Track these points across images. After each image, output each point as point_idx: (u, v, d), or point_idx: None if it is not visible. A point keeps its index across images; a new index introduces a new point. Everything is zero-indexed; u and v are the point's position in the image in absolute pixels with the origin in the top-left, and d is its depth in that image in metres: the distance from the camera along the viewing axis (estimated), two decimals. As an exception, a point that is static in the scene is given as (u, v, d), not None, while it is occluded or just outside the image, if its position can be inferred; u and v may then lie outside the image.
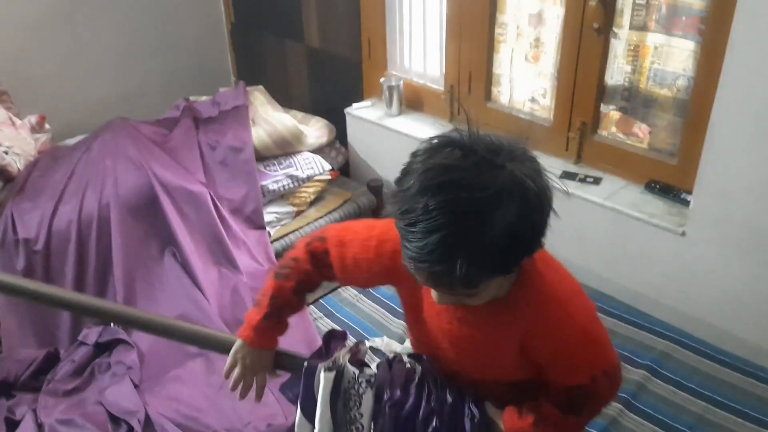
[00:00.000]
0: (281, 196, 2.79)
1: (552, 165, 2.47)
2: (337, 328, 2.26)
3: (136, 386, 1.95)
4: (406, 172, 0.90)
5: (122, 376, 1.98)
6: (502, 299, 1.00)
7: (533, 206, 0.87)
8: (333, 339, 1.27)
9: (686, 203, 2.15)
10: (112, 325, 2.20)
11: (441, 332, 1.08)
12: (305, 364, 1.18)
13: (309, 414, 1.17)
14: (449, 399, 1.10)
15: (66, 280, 2.27)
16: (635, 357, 2.04)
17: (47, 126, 2.87)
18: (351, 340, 1.30)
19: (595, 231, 2.33)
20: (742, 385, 1.92)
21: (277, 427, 1.85)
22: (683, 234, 2.10)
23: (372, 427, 1.14)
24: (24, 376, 2.04)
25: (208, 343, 1.34)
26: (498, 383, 1.13)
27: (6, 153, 2.47)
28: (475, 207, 0.84)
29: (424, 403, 1.09)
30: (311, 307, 2.36)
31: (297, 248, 1.22)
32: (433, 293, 0.97)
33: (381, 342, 2.12)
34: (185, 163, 2.61)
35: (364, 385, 1.14)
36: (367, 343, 2.14)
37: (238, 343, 1.22)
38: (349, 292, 2.44)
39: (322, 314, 2.33)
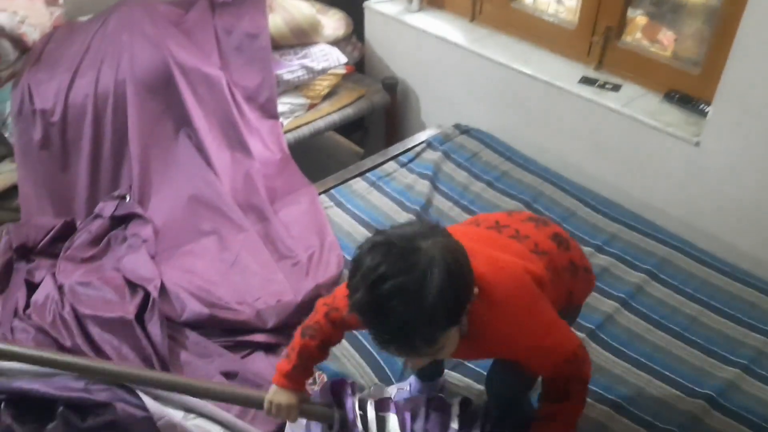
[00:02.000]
0: (295, 88, 2.77)
1: (572, 70, 2.44)
2: (348, 218, 2.30)
3: (151, 257, 2.01)
4: (350, 279, 1.09)
5: (138, 248, 2.04)
6: (464, 336, 1.19)
7: (453, 269, 1.05)
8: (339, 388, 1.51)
9: (704, 114, 2.14)
10: (127, 198, 2.24)
11: None
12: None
13: None
14: None
15: (82, 154, 2.30)
16: (636, 261, 2.09)
17: (60, 0, 2.81)
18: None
19: (610, 138, 2.33)
20: (738, 293, 1.99)
21: (286, 304, 1.91)
22: (697, 144, 2.10)
23: None
24: (42, 242, 2.10)
25: (246, 401, 1.52)
26: None
27: (21, 22, 2.44)
28: (407, 288, 1.02)
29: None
30: (323, 196, 2.40)
31: (318, 313, 1.40)
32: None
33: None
34: (201, 44, 2.57)
35: None
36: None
37: (272, 387, 1.44)
38: (359, 185, 2.48)
39: (332, 203, 2.37)
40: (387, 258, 1.04)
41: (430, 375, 1.66)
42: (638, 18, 2.31)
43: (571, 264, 1.43)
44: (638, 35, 2.34)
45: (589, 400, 1.67)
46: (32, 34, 2.47)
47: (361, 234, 2.22)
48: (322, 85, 2.83)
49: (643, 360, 1.78)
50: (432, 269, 1.03)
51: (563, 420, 1.32)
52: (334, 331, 1.40)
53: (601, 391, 1.69)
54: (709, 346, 1.82)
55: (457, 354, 1.22)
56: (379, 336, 1.07)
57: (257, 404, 1.46)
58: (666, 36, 2.28)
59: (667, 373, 1.75)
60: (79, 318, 1.76)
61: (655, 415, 1.63)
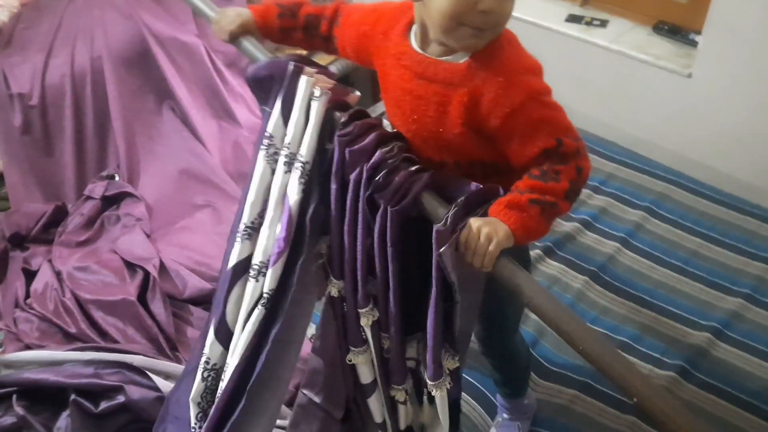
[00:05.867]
0: (276, 48, 2.70)
1: (557, 8, 2.39)
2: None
3: (147, 236, 1.99)
4: None
5: (132, 227, 2.01)
6: (461, 65, 1.01)
7: None
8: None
9: (694, 44, 2.10)
10: (116, 178, 2.21)
11: (403, 94, 1.08)
12: (292, 65, 1.08)
13: (286, 115, 1.10)
14: (411, 168, 1.00)
15: (65, 136, 2.25)
16: (634, 199, 2.09)
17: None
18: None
19: (600, 75, 2.29)
20: (735, 222, 1.99)
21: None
22: (689, 76, 2.07)
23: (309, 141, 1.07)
24: (35, 229, 2.08)
25: None
26: (461, 166, 1.10)
27: (-13, 4, 2.36)
28: None
29: (379, 153, 1.01)
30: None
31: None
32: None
33: None
34: (175, 13, 2.49)
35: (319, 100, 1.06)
36: None
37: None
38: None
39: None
40: None
41: None
42: (622, -51, 2.24)
43: None
44: (623, -34, 2.28)
45: (596, 341, 1.69)
46: (0, 16, 2.39)
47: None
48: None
49: (647, 298, 1.79)
50: None
51: (542, 198, 0.97)
52: (328, 20, 1.21)
53: (608, 332, 1.70)
54: (711, 278, 1.83)
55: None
56: None
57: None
58: (651, -35, 2.22)
59: (671, 308, 1.76)
60: (81, 303, 1.75)
61: (663, 351, 1.65)
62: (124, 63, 2.30)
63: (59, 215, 2.15)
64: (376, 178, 0.99)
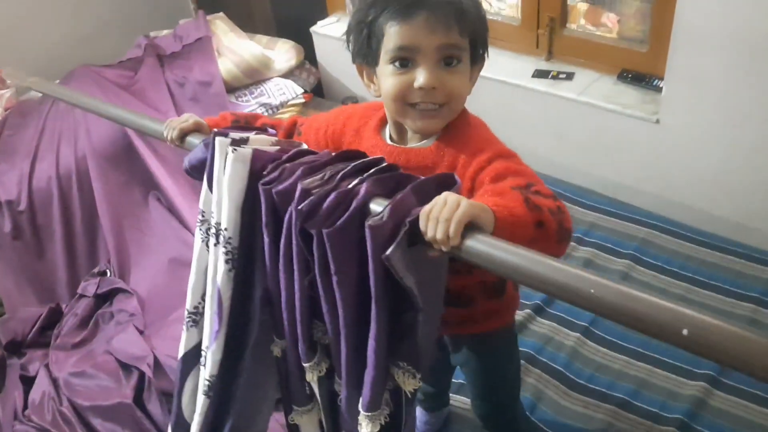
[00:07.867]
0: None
1: (524, 65, 2.44)
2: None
3: (140, 332, 2.00)
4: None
5: (126, 324, 2.03)
6: (430, 147, 1.04)
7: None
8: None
9: (659, 90, 2.15)
10: (107, 274, 2.24)
11: None
12: (213, 132, 1.06)
13: (210, 182, 1.06)
14: (349, 185, 0.88)
15: (55, 237, 2.29)
16: (618, 248, 2.10)
17: (9, 81, 2.79)
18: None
19: (572, 127, 2.34)
20: (721, 263, 2.00)
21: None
22: (657, 122, 2.11)
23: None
24: (31, 334, 2.10)
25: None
26: None
27: (-29, 115, 2.43)
28: None
29: (299, 186, 0.90)
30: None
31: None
32: (421, 75, 0.98)
33: None
34: (155, 104, 2.56)
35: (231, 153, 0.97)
36: None
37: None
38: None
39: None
40: None
41: (436, 405, 1.64)
42: (579, 5, 2.31)
43: None
44: (582, 21, 2.34)
45: (592, 400, 1.69)
46: (-15, 125, 2.46)
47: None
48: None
49: (640, 350, 1.79)
50: None
51: (525, 191, 0.89)
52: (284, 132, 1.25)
53: (604, 390, 1.70)
54: (701, 324, 1.83)
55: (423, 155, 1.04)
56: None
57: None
58: (609, 18, 2.28)
59: (665, 359, 1.76)
60: (78, 411, 1.76)
61: (661, 406, 1.64)
62: (108, 159, 2.36)
63: (54, 317, 2.17)
64: (299, 207, 0.88)
